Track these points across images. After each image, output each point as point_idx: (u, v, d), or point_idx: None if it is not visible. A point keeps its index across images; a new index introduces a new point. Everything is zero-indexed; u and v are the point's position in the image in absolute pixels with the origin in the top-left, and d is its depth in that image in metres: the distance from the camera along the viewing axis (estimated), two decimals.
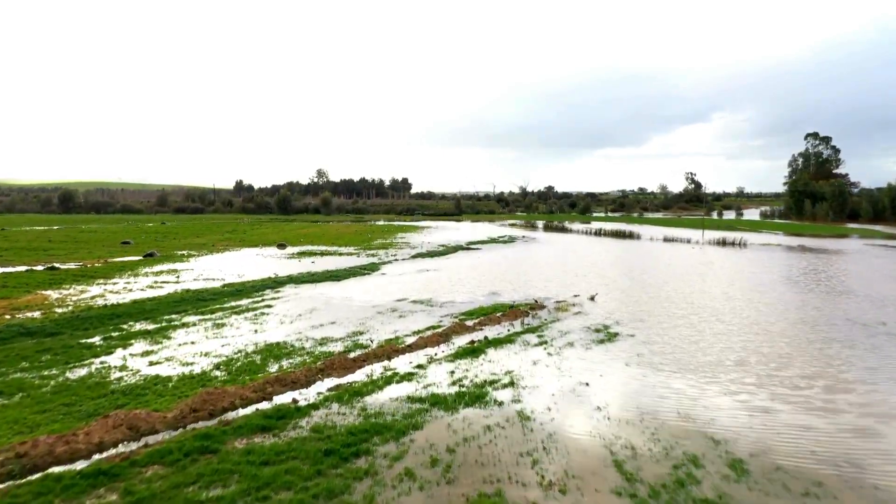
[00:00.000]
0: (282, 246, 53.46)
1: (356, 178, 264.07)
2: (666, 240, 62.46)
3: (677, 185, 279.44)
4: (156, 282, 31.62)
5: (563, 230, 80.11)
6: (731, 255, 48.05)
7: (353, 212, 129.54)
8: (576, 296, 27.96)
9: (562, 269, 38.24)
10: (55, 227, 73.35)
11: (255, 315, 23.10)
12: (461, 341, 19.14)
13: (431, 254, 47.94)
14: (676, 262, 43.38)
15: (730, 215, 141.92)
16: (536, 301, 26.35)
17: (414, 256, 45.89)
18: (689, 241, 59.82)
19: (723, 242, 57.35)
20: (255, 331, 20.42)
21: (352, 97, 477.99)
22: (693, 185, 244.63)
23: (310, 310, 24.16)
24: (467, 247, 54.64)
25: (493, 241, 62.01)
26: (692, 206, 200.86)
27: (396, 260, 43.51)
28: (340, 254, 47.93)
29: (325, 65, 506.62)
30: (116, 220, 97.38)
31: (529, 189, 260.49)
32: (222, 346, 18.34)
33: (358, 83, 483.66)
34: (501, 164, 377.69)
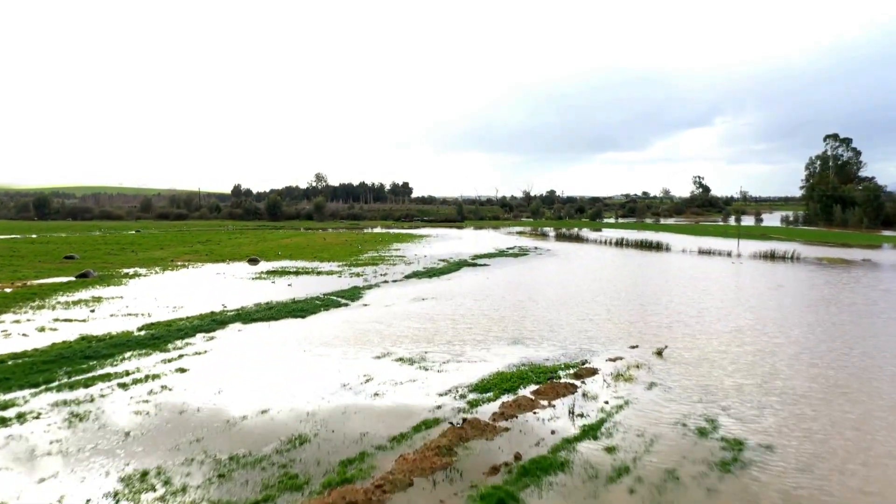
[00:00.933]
0: (253, 261, 45.16)
1: (356, 183, 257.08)
2: (701, 252, 53.99)
3: (680, 190, 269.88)
4: (57, 318, 23.34)
5: (578, 239, 71.71)
6: (798, 274, 39.47)
7: (348, 218, 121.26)
8: (633, 347, 19.61)
9: (596, 297, 29.80)
10: (8, 237, 65.21)
11: (147, 394, 14.74)
12: (475, 466, 10.76)
13: (430, 272, 39.64)
14: (740, 284, 34.92)
15: (748, 221, 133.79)
16: (584, 364, 17.93)
17: (408, 276, 37.60)
18: (728, 255, 51.32)
19: (771, 256, 48.86)
20: (122, 438, 12.05)
21: (353, 102, 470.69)
22: (700, 189, 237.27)
23: (239, 377, 15.85)
24: (473, 262, 46.36)
25: (501, 253, 53.75)
26: (705, 210, 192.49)
27: (386, 282, 35.20)
28: (320, 272, 39.70)
29: (326, 70, 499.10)
30: (90, 227, 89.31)
31: (533, 193, 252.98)
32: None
33: (359, 88, 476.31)
34: (503, 169, 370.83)
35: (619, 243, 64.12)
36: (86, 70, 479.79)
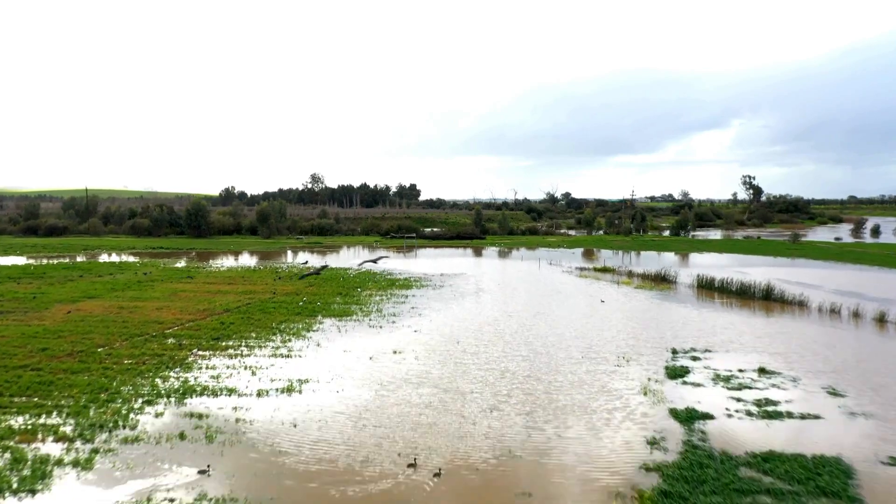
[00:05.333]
0: None
1: (356, 184, 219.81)
2: None
3: (698, 192, 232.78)
4: None
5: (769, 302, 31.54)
6: None
7: (309, 232, 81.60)
8: None
9: None
10: None
11: None
12: None
13: None
14: None
15: (888, 237, 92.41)
16: None
17: None
18: None
19: None
20: None
21: (358, 103, 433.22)
22: (752, 191, 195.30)
23: None
24: None
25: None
26: (794, 217, 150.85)
27: None
28: None
29: (332, 69, 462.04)
30: None
31: (558, 195, 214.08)
32: None
33: (365, 89, 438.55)
34: (515, 172, 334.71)
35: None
36: (88, 72, 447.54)
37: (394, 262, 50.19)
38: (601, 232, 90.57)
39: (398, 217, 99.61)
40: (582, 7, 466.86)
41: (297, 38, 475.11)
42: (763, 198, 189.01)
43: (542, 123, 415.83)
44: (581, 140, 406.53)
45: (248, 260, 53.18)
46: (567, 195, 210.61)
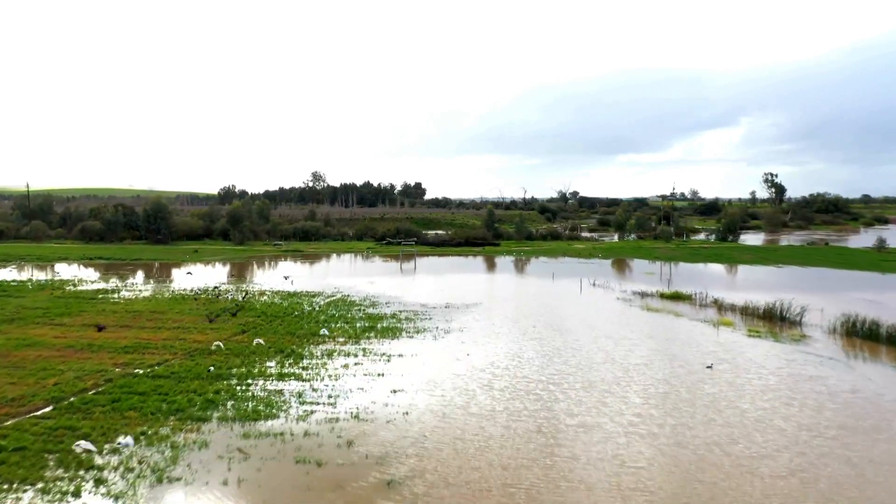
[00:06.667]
0: None
1: (359, 183, 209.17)
2: None
3: (706, 191, 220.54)
4: None
5: None
6: None
7: (292, 236, 69.28)
8: None
9: None
10: None
11: None
12: None
13: None
14: None
15: None
16: None
17: None
18: None
19: None
20: None
21: (362, 101, 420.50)
22: (774, 190, 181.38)
23: None
24: None
25: None
26: (836, 218, 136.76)
27: None
28: None
29: (335, 67, 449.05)
30: None
31: (568, 193, 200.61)
32: None
33: (368, 87, 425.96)
34: (520, 171, 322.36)
35: None
36: (64, 67, 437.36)
37: (383, 284, 37.79)
38: (633, 236, 77.69)
39: (398, 218, 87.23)
40: (586, 5, 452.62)
41: (299, 36, 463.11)
42: (786, 197, 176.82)
43: (546, 122, 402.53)
44: (586, 139, 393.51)
45: (202, 275, 40.92)
46: (575, 194, 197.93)
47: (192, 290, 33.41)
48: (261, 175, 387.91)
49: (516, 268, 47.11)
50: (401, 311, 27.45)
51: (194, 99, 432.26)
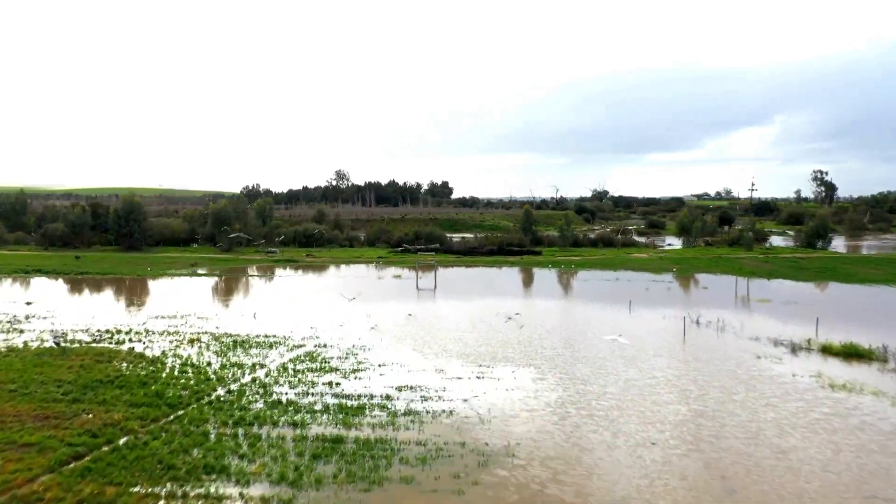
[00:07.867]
0: None
1: (384, 182, 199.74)
2: None
3: (738, 190, 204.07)
4: None
5: None
6: None
7: (292, 241, 58.16)
8: None
9: None
10: None
11: None
12: None
13: None
14: None
15: None
16: None
17: None
18: None
19: None
20: None
21: (389, 98, 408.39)
22: (824, 189, 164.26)
23: None
24: None
25: None
26: None
27: None
28: None
29: (360, 65, 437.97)
30: None
31: (604, 191, 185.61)
32: None
33: (396, 84, 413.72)
34: (549, 170, 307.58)
35: None
36: (93, 70, 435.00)
37: (385, 319, 26.06)
38: (701, 242, 64.30)
39: (421, 219, 75.51)
40: (618, 2, 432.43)
41: (326, 34, 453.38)
42: (837, 196, 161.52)
43: (575, 120, 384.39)
44: (616, 137, 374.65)
45: (157, 300, 29.84)
46: (605, 193, 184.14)
47: (96, 332, 22.11)
48: (286, 174, 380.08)
49: (569, 286, 34.91)
50: (398, 392, 15.72)
51: (221, 99, 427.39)
